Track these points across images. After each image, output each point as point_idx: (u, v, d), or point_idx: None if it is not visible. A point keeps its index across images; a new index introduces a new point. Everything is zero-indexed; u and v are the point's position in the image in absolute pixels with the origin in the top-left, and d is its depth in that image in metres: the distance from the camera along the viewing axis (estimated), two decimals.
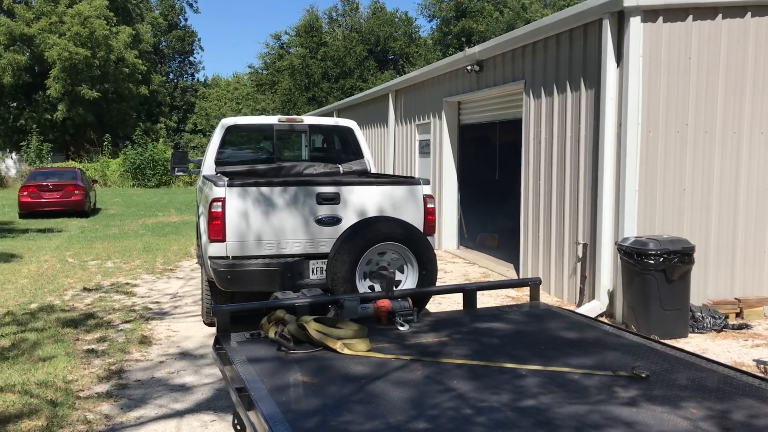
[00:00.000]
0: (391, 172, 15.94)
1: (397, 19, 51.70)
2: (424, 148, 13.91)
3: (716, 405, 2.89)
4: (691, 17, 7.31)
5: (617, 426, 2.69)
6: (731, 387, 3.11)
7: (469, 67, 11.11)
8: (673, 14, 7.28)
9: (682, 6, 7.26)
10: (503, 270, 10.67)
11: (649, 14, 7.20)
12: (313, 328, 3.80)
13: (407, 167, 14.95)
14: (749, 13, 7.44)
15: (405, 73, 13.89)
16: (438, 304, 8.02)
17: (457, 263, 11.61)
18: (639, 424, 2.70)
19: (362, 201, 6.26)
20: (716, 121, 7.50)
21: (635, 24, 7.13)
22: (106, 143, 40.09)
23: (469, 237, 13.47)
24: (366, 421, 2.77)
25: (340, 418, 2.81)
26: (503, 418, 2.78)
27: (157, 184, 36.04)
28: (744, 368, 5.79)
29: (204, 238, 6.33)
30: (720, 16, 7.38)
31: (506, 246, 12.11)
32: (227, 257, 5.99)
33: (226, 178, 6.17)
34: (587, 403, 2.94)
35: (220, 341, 3.92)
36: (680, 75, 7.36)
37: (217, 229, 5.91)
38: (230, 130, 7.90)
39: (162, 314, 7.86)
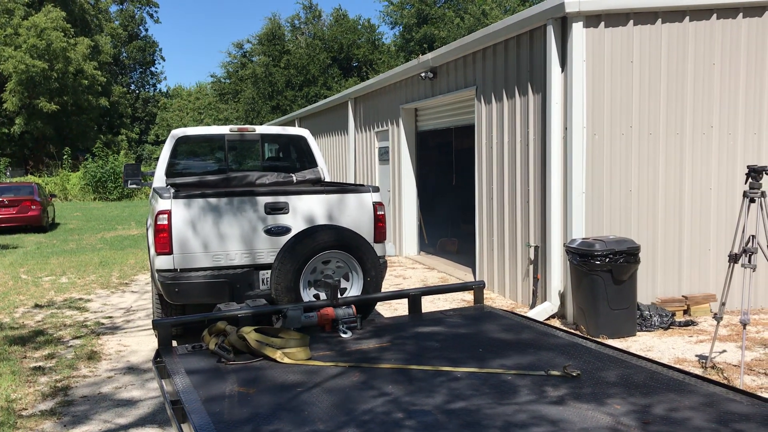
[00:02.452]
0: (352, 180, 15.98)
1: (359, 27, 51.79)
2: (384, 155, 13.98)
3: (640, 400, 2.97)
4: (632, 22, 7.49)
5: (543, 425, 2.75)
6: (657, 382, 3.20)
7: (423, 74, 11.21)
8: (615, 19, 7.44)
9: (623, 11, 7.43)
10: (462, 274, 10.76)
11: (591, 19, 7.36)
12: (253, 338, 3.81)
13: (368, 174, 15.00)
14: (687, 18, 7.64)
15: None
16: (394, 310, 8.07)
17: (416, 269, 11.67)
18: (564, 422, 2.76)
19: (311, 210, 6.27)
20: (659, 123, 7.68)
21: (578, 29, 7.28)
22: (65, 156, 39.45)
23: (429, 242, 13.54)
24: (296, 428, 2.79)
25: (270, 426, 2.82)
26: (432, 421, 2.82)
27: (119, 197, 35.54)
28: (686, 364, 5.93)
29: (152, 251, 6.28)
30: (660, 20, 7.57)
31: (466, 250, 12.21)
32: (175, 270, 5.95)
33: (172, 190, 6.13)
34: (517, 403, 2.99)
35: (160, 354, 3.90)
36: (623, 79, 7.53)
37: (163, 241, 5.87)
38: (181, 141, 7.85)
39: (114, 329, 7.77)
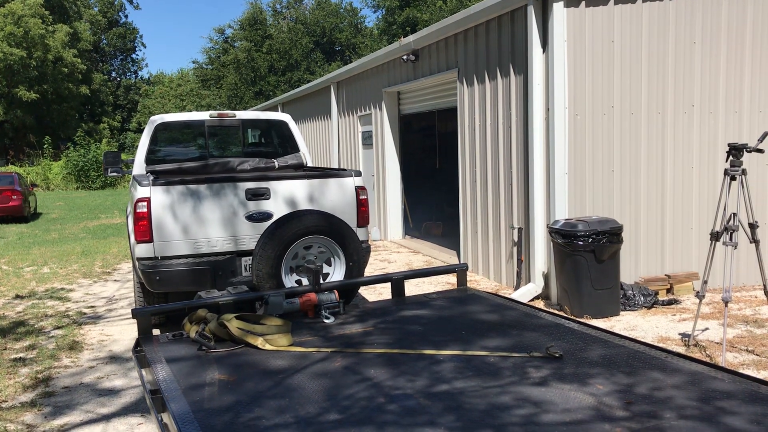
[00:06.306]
0: (336, 165, 15.90)
1: (341, 10, 51.45)
2: (367, 140, 13.91)
3: (623, 380, 2.96)
4: (612, 1, 7.44)
5: (526, 406, 2.73)
6: (639, 362, 3.19)
7: (405, 57, 11.13)
8: None
9: None
10: (446, 257, 10.75)
11: None
12: (234, 325, 3.77)
13: (351, 159, 14.93)
14: None
15: None
16: (379, 294, 8.05)
17: (401, 253, 11.65)
18: (546, 403, 2.75)
19: (292, 195, 6.21)
20: (641, 103, 7.67)
21: (558, 9, 7.23)
22: (46, 145, 38.96)
23: (414, 226, 13.53)
24: (277, 415, 2.76)
25: (251, 414, 2.79)
26: (414, 405, 2.80)
27: (101, 186, 35.22)
28: (669, 342, 5.96)
29: (132, 239, 6.21)
30: None
31: (450, 233, 12.21)
32: (155, 258, 5.88)
33: (151, 177, 6.05)
34: (499, 386, 2.98)
35: (140, 343, 3.86)
36: (604, 58, 7.50)
37: (143, 229, 5.80)
38: (160, 128, 7.75)
39: (96, 318, 7.70)
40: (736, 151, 5.38)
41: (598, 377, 3.01)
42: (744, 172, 5.41)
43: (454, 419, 2.62)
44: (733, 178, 5.42)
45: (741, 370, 5.07)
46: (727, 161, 5.50)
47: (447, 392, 2.92)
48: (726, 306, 5.39)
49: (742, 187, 5.39)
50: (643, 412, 2.61)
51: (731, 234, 5.37)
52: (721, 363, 5.16)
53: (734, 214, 5.38)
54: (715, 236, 5.55)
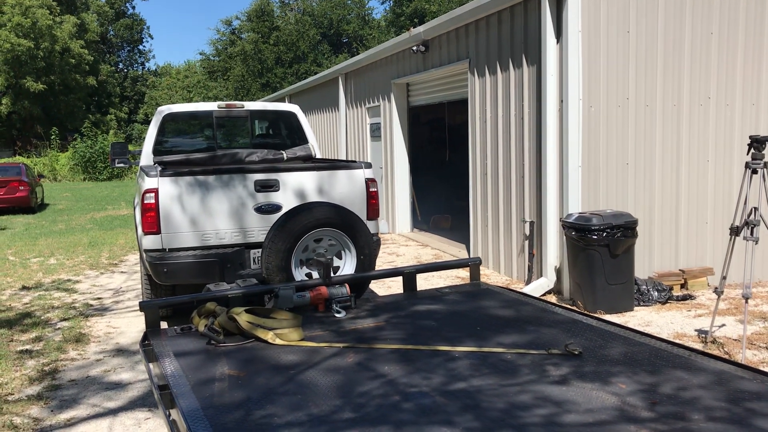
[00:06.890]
0: (344, 157, 15.80)
1: (349, 2, 51.23)
2: (376, 132, 13.79)
3: (646, 379, 2.86)
4: None
5: (546, 406, 2.64)
6: (662, 360, 3.09)
7: (414, 48, 11.01)
8: None
9: None
10: (456, 251, 10.65)
11: None
12: (244, 319, 3.68)
13: (359, 151, 14.83)
14: None
15: None
16: (388, 288, 7.96)
17: (410, 246, 11.56)
18: (568, 403, 2.65)
19: (302, 187, 6.12)
20: (656, 95, 7.53)
21: None
22: (53, 137, 39.00)
23: (422, 219, 13.43)
24: (289, 412, 2.67)
25: (262, 411, 2.71)
26: (431, 403, 2.71)
27: (109, 177, 35.20)
28: (685, 339, 5.85)
29: (139, 230, 6.13)
30: None
31: (459, 227, 12.10)
32: (163, 249, 5.81)
33: (159, 168, 5.97)
34: (518, 384, 2.88)
35: (148, 337, 3.78)
36: (619, 49, 7.36)
37: (150, 221, 5.72)
38: (167, 119, 7.67)
39: (103, 310, 7.64)
40: (758, 143, 5.25)
41: (620, 376, 2.91)
42: (766, 165, 5.28)
43: (472, 419, 2.53)
44: (754, 171, 5.29)
45: (762, 368, 4.97)
46: (748, 154, 5.37)
47: (464, 390, 2.82)
48: (746, 302, 5.27)
49: (764, 180, 5.26)
50: (670, 413, 2.51)
51: (752, 229, 5.24)
52: (740, 360, 5.05)
53: (755, 209, 5.25)
54: (735, 231, 5.42)
